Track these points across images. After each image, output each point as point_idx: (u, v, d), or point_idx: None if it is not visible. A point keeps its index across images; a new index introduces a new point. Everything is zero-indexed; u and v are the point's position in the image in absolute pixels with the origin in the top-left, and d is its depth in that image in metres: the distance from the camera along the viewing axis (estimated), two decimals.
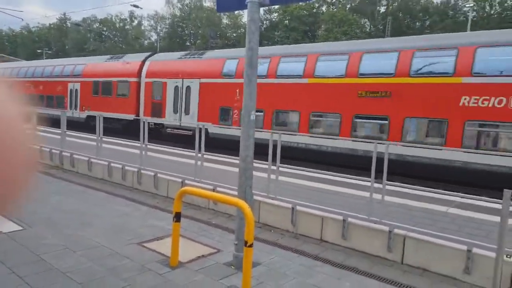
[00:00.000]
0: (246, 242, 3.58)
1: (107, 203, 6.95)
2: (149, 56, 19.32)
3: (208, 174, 7.80)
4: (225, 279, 4.01)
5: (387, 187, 5.50)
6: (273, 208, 6.43)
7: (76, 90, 21.31)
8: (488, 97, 9.38)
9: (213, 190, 7.12)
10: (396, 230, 5.13)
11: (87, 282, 3.72)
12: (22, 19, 43.87)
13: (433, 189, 5.93)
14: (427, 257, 4.88)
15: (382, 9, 54.48)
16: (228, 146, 12.00)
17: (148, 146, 8.91)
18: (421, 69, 10.74)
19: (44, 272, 3.87)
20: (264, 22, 56.96)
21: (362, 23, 54.02)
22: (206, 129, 15.10)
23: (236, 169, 5.11)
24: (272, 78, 13.46)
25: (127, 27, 77.88)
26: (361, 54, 11.83)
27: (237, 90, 14.01)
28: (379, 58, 11.72)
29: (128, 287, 3.69)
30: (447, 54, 10.36)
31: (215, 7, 5.48)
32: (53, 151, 11.10)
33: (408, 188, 6.10)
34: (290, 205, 6.20)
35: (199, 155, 7.68)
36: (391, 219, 5.38)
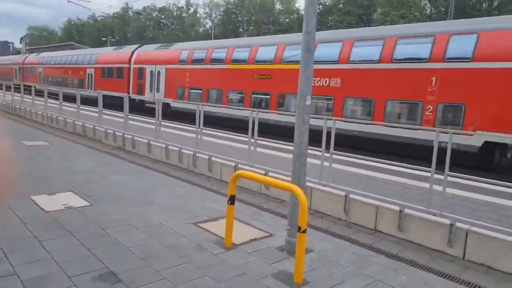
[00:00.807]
0: (299, 228, 3.58)
1: (165, 183, 7.29)
2: (138, 47, 24.76)
3: (260, 159, 7.88)
4: (277, 263, 4.06)
5: (448, 178, 5.19)
6: (325, 195, 6.36)
7: (91, 74, 27.16)
8: (319, 79, 13.34)
9: (265, 174, 7.18)
10: (458, 224, 4.84)
11: (148, 257, 3.96)
12: (90, 9, 47.18)
13: (499, 182, 5.48)
14: (493, 254, 4.56)
15: None
16: (184, 116, 16.50)
17: (203, 130, 9.19)
18: (287, 58, 14.80)
19: (110, 246, 4.17)
20: (318, 6, 55.35)
21: (422, 5, 50.52)
22: (169, 103, 19.16)
23: (287, 155, 5.11)
24: (208, 64, 18.34)
25: (184, 15, 79.82)
26: (257, 47, 16.55)
27: (187, 74, 19.13)
28: (266, 50, 16.08)
29: (186, 264, 3.87)
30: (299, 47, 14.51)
31: None
32: (117, 133, 11.84)
33: (472, 181, 5.71)
34: (343, 193, 6.09)
35: (252, 140, 7.77)
36: (452, 211, 5.09)
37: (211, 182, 8.18)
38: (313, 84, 13.33)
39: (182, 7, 79.22)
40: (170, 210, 5.56)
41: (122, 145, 11.53)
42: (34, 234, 4.32)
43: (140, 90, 22.18)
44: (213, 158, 8.59)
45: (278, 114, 13.87)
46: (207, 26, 73.80)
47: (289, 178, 4.61)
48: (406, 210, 5.35)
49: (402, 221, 5.37)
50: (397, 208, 5.43)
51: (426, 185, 5.51)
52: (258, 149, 8.15)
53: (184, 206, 5.79)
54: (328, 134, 6.48)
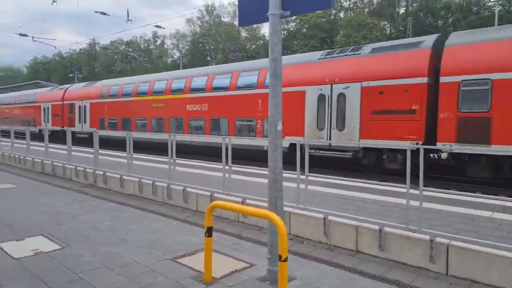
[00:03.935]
0: (280, 257, 3.47)
1: (140, 219, 7.02)
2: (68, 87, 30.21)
3: (237, 187, 7.76)
4: None
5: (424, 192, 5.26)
6: (304, 219, 6.29)
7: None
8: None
9: (242, 202, 7.06)
10: (437, 239, 4.87)
11: None
12: (55, 47, 47.06)
13: (472, 193, 5.63)
14: (474, 267, 4.58)
15: (402, 10, 53.43)
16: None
17: (176, 161, 9.01)
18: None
19: None
20: (283, 32, 57.22)
21: (381, 25, 53.19)
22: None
23: (264, 180, 5.05)
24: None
25: (151, 47, 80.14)
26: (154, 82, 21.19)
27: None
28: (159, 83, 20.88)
29: None
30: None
31: (235, 22, 5.51)
32: (87, 170, 11.42)
33: (447, 194, 5.83)
34: (321, 215, 6.04)
35: (227, 167, 7.66)
36: (431, 226, 5.13)
37: (187, 213, 7.95)
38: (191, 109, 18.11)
39: (149, 40, 79.67)
40: (145, 246, 5.31)
41: (93, 181, 11.11)
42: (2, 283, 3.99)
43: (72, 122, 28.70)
44: (188, 189, 8.38)
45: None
46: (175, 56, 74.28)
47: (267, 204, 4.52)
48: (386, 229, 5.34)
49: (382, 240, 5.34)
50: (376, 227, 5.42)
51: (403, 201, 5.55)
52: (236, 176, 8.04)
53: (160, 242, 5.55)
54: (302, 155, 6.48)
